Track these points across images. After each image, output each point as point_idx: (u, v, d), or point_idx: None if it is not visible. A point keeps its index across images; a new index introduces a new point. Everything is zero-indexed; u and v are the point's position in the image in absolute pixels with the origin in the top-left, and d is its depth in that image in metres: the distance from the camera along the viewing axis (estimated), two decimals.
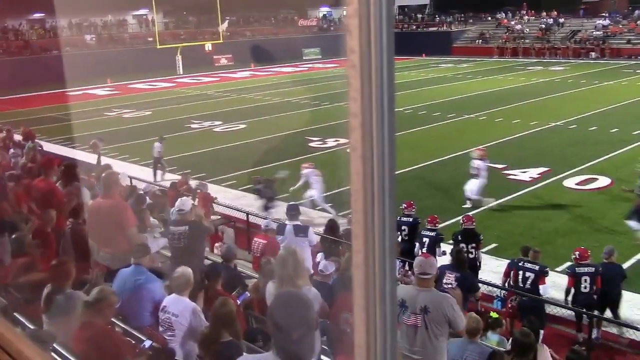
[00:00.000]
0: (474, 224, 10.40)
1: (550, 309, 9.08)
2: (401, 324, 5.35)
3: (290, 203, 9.94)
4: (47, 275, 5.71)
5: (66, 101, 33.38)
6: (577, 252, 9.08)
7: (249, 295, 6.98)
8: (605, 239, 12.35)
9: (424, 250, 10.08)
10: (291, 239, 8.70)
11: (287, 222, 9.08)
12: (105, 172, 7.89)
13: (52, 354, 4.40)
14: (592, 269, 8.86)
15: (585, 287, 8.70)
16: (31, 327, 5.17)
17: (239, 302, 6.65)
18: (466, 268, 8.72)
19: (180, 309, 5.53)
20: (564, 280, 10.69)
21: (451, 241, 10.46)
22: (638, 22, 51.36)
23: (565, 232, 12.88)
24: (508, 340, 6.94)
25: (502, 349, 6.37)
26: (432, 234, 10.44)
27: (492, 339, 6.81)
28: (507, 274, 9.22)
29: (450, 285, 8.29)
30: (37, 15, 52.76)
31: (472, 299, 9.12)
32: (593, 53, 48.57)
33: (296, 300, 2.64)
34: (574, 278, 8.79)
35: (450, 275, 8.37)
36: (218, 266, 7.26)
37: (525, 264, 8.88)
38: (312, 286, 5.36)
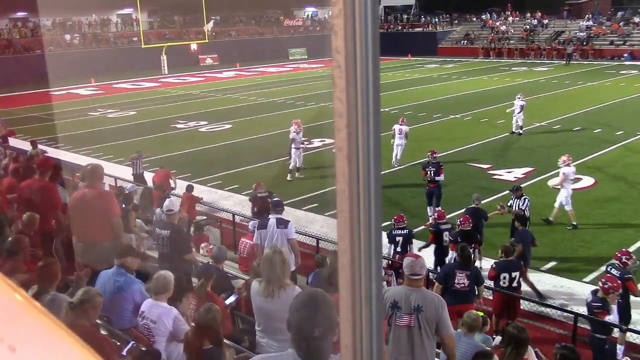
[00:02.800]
0: (471, 225, 10.49)
1: (532, 307, 9.15)
2: (393, 327, 5.32)
3: (275, 199, 10.02)
4: (32, 276, 5.65)
5: (49, 101, 33.14)
6: (436, 213, 11.15)
7: (237, 297, 6.95)
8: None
9: (399, 249, 10.37)
10: (273, 230, 8.87)
11: (270, 216, 9.19)
12: (91, 164, 7.97)
13: None
14: (449, 226, 10.89)
15: (445, 242, 10.57)
16: None
17: (227, 304, 6.62)
18: (472, 263, 8.84)
19: (158, 314, 5.44)
20: (549, 279, 10.82)
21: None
22: (621, 23, 51.91)
23: (550, 231, 12.96)
24: (493, 339, 6.98)
25: (488, 347, 6.41)
26: (405, 232, 10.66)
27: (477, 338, 6.84)
28: (493, 278, 9.24)
29: (463, 285, 8.38)
30: (20, 14, 52.25)
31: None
32: (575, 54, 48.96)
33: (320, 299, 2.65)
34: (435, 235, 10.73)
35: (461, 274, 8.44)
36: (210, 267, 7.21)
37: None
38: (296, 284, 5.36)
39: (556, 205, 13.32)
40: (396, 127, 18.10)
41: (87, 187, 7.28)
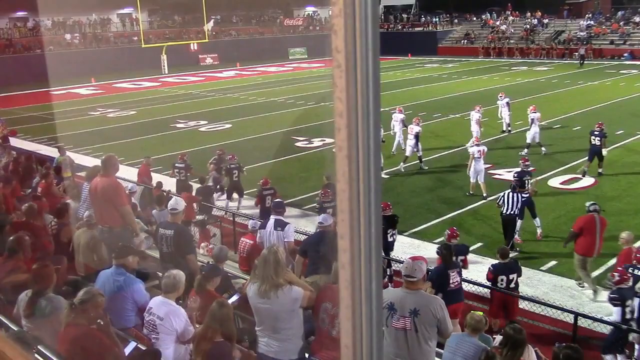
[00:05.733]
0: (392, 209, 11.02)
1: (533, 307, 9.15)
2: (390, 328, 5.32)
3: (277, 200, 10.04)
4: (30, 277, 5.64)
5: (49, 100, 33.14)
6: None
7: (239, 296, 6.93)
8: None
9: None
10: (270, 232, 8.89)
11: (272, 216, 9.19)
12: (106, 154, 8.48)
13: (36, 355, 4.35)
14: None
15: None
16: (14, 328, 5.11)
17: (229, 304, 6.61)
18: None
19: (165, 312, 5.46)
20: (549, 279, 10.83)
21: None
22: (621, 23, 51.88)
23: (550, 231, 12.95)
24: (493, 339, 6.97)
25: (489, 347, 6.41)
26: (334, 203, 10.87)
27: (478, 338, 6.84)
28: (490, 279, 9.23)
29: (457, 282, 8.43)
30: (20, 14, 52.26)
31: None
32: (576, 53, 48.96)
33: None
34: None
35: (453, 273, 8.50)
36: (216, 268, 7.19)
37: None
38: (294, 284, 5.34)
39: (479, 181, 15.13)
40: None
41: (101, 175, 7.85)
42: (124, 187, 7.91)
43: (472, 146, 15.67)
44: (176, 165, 15.41)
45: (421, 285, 5.48)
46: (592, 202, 11.02)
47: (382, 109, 1.12)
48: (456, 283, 8.47)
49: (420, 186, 16.47)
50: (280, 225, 8.91)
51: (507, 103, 21.78)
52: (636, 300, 8.35)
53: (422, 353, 5.28)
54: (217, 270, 6.84)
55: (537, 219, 12.39)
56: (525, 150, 18.81)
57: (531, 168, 13.80)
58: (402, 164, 17.65)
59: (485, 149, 15.52)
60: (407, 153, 17.70)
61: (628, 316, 7.79)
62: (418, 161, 17.84)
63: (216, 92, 37.07)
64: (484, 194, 14.95)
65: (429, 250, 12.06)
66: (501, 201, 11.89)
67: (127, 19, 57.63)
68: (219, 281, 6.62)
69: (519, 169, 13.59)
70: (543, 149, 19.07)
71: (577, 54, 46.62)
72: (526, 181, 13.12)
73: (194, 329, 5.51)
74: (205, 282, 6.41)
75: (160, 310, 5.47)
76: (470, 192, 15.32)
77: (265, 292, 5.02)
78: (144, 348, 5.19)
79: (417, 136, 17.53)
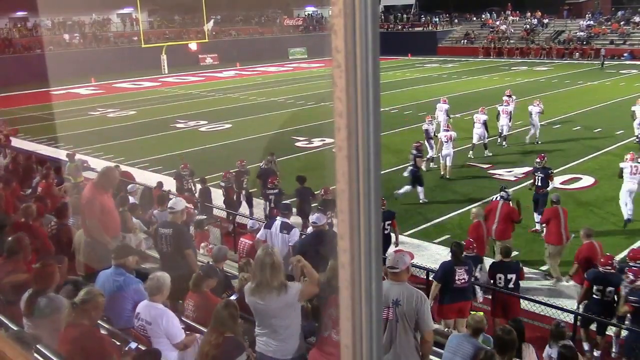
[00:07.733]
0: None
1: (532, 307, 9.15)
2: None
3: (284, 203, 10.10)
4: (31, 277, 5.63)
5: (49, 100, 33.14)
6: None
7: (238, 296, 6.92)
8: None
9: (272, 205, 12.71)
10: (275, 233, 8.92)
11: (277, 218, 9.22)
12: (106, 167, 8.27)
13: (35, 355, 4.35)
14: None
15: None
16: (14, 328, 5.11)
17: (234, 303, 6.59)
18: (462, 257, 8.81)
19: (152, 315, 5.42)
20: (549, 278, 10.82)
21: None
22: (621, 23, 51.88)
23: None
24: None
25: (489, 347, 6.40)
26: (276, 190, 13.13)
27: (479, 338, 6.83)
28: (491, 277, 9.24)
29: (464, 280, 8.37)
30: (20, 14, 52.26)
31: None
32: (576, 53, 49.02)
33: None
34: None
35: (460, 270, 8.42)
36: (211, 269, 7.18)
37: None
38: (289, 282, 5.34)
39: (447, 163, 16.85)
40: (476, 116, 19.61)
41: (91, 183, 7.69)
42: (99, 201, 7.52)
43: (441, 131, 17.34)
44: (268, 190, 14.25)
45: (405, 277, 5.51)
46: (503, 186, 11.94)
47: (382, 109, 1.12)
48: (463, 280, 8.41)
49: None
50: (286, 228, 8.93)
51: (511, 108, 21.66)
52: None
53: (402, 342, 5.34)
54: (214, 272, 6.83)
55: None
56: (503, 142, 20.35)
57: (543, 164, 13.21)
58: (477, 151, 18.75)
59: (453, 134, 17.01)
60: (475, 141, 19.05)
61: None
62: (483, 147, 19.16)
63: (216, 92, 37.07)
64: (442, 173, 16.91)
65: (429, 250, 12.08)
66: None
67: (127, 19, 57.62)
68: (214, 283, 6.60)
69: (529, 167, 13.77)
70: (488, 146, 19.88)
71: (575, 53, 46.57)
72: (537, 177, 13.02)
73: (192, 328, 5.49)
74: (201, 282, 6.40)
75: (147, 315, 5.44)
76: (442, 174, 16.89)
77: (262, 294, 5.03)
78: (144, 348, 5.18)
79: (485, 123, 18.92)
